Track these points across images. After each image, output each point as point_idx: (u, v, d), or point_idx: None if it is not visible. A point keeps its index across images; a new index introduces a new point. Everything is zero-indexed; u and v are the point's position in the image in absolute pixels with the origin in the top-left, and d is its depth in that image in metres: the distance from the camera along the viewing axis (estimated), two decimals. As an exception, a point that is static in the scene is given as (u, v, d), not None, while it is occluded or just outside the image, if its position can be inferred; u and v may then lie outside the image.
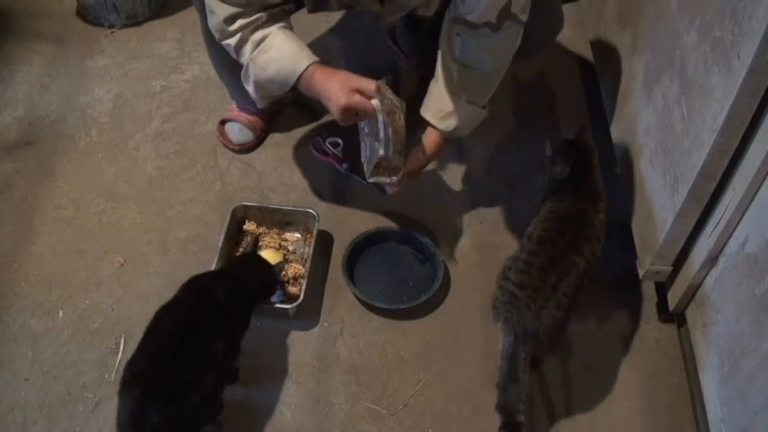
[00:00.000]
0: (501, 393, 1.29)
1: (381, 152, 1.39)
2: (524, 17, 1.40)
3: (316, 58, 1.40)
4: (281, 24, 1.40)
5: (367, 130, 1.45)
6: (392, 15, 1.58)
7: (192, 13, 1.61)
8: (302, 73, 1.38)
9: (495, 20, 1.36)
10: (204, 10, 1.49)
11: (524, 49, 1.50)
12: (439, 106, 1.51)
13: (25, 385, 1.44)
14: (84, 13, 2.17)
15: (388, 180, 1.48)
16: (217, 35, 1.42)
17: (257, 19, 1.38)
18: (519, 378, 1.28)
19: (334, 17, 2.12)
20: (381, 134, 1.37)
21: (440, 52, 1.52)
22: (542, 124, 1.92)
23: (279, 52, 1.38)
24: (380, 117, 1.36)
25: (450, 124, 1.51)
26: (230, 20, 1.37)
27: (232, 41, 1.40)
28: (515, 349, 1.29)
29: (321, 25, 2.10)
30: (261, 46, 1.38)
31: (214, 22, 1.40)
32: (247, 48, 1.39)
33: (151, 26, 2.17)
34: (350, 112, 1.36)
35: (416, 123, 1.52)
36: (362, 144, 1.49)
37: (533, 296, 1.30)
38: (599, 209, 1.44)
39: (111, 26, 2.15)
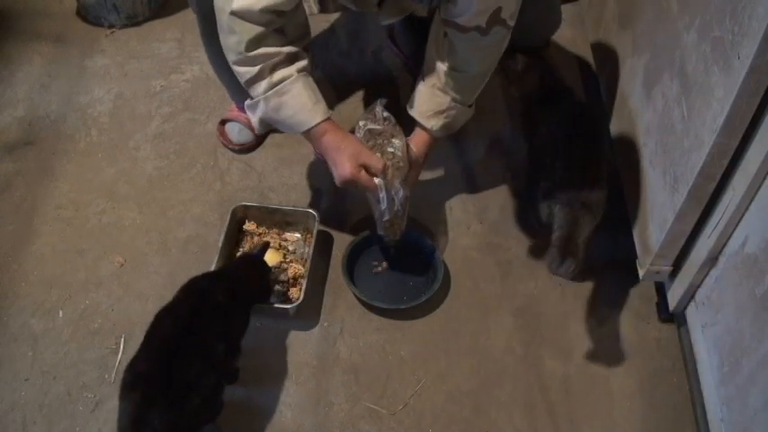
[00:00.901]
0: (559, 249, 1.36)
1: (387, 217, 1.49)
2: (512, 23, 1.41)
3: (329, 114, 1.41)
4: (299, 66, 1.38)
5: (369, 196, 1.50)
6: (390, 18, 1.58)
7: (192, 13, 1.60)
8: (313, 127, 1.39)
9: (484, 24, 1.37)
10: (201, 11, 1.49)
11: (520, 47, 1.50)
12: (426, 105, 1.52)
13: (25, 385, 1.44)
14: (84, 13, 2.17)
15: (396, 236, 1.57)
16: (232, 56, 1.36)
17: (277, 54, 1.34)
18: (578, 245, 1.38)
19: (333, 16, 2.12)
20: (384, 206, 1.46)
21: (427, 52, 1.53)
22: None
23: (294, 99, 1.37)
24: (382, 195, 1.44)
25: (436, 123, 1.53)
26: (253, 43, 1.32)
27: (248, 72, 1.35)
28: (577, 217, 1.38)
29: (321, 25, 2.10)
30: (277, 88, 1.36)
31: (233, 42, 1.33)
32: (262, 85, 1.36)
33: (151, 26, 2.17)
34: (352, 184, 1.41)
35: (406, 121, 1.54)
36: (369, 199, 1.54)
37: (582, 174, 1.45)
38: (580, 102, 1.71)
39: (111, 26, 2.15)
